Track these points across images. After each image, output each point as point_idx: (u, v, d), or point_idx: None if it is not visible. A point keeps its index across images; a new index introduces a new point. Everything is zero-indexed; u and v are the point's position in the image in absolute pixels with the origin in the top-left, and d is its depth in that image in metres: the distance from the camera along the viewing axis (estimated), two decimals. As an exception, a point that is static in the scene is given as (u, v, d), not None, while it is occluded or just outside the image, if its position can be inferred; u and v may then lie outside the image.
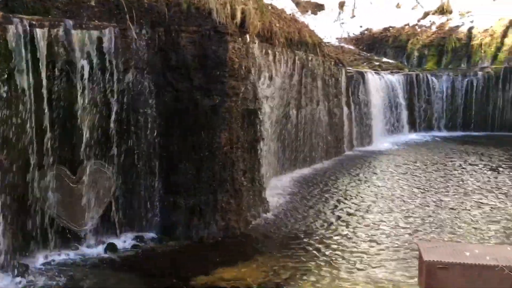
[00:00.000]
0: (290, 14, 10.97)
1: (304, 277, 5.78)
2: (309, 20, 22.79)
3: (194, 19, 6.74)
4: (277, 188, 9.67)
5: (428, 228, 7.44)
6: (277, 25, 9.65)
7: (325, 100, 12.63)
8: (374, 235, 7.16)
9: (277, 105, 9.96)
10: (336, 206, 8.75)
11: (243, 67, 7.18)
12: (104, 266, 5.61)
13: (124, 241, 6.35)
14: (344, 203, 8.97)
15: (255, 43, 7.95)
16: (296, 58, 10.57)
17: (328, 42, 21.47)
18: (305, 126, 11.59)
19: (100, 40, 6.07)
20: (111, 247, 6.06)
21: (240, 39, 7.17)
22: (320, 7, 23.54)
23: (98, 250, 6.05)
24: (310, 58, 11.44)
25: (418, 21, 21.41)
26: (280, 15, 10.23)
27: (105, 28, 6.18)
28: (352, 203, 8.97)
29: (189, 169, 6.79)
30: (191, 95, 6.75)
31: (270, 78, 9.04)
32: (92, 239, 6.12)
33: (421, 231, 7.33)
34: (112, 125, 6.21)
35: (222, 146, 6.90)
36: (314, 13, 23.08)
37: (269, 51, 8.98)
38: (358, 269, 5.96)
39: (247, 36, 7.41)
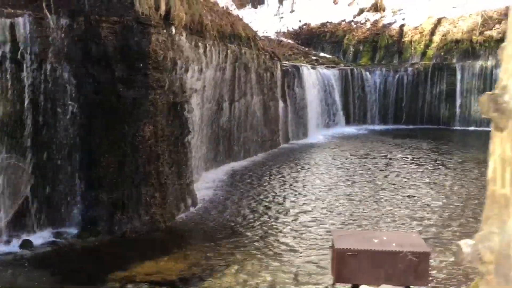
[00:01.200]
0: (223, 7, 10.94)
1: (227, 268, 5.84)
2: (248, 13, 22.88)
3: (115, 9, 6.59)
4: (209, 181, 9.69)
5: (350, 218, 7.72)
6: (209, 17, 9.61)
7: (259, 93, 12.75)
8: (298, 227, 7.35)
9: (208, 98, 9.95)
10: (265, 198, 8.89)
11: (168, 59, 7.11)
12: (16, 264, 5.41)
13: (42, 237, 6.15)
14: (274, 195, 9.13)
15: (183, 35, 7.88)
16: (229, 51, 10.59)
17: (267, 36, 21.69)
18: (239, 119, 11.66)
19: (12, 28, 5.81)
20: (26, 244, 5.85)
21: (164, 31, 7.08)
22: (260, 1, 23.66)
23: (12, 247, 5.83)
24: (243, 51, 11.50)
25: (354, 17, 22.02)
26: (212, 8, 10.19)
27: (19, 16, 5.92)
28: (282, 195, 9.15)
29: (112, 163, 6.66)
30: (113, 87, 6.61)
31: (200, 71, 9.01)
32: (6, 235, 5.88)
33: (344, 221, 7.59)
34: (26, 116, 5.97)
35: (146, 139, 6.82)
36: (254, 6, 23.18)
37: (199, 44, 8.93)
38: (280, 259, 6.10)
39: (173, 28, 7.33)
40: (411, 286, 4.73)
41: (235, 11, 11.98)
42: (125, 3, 6.59)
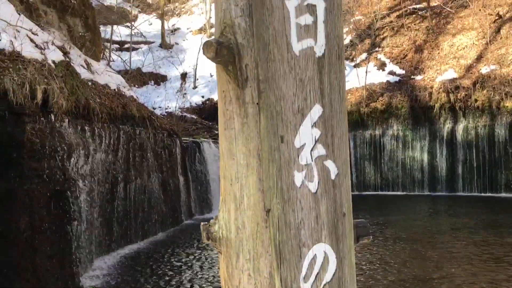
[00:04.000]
0: (114, 89, 11.04)
1: None
2: (151, 91, 23.20)
3: (-13, 99, 6.43)
4: (101, 268, 9.25)
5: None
6: (97, 100, 9.63)
7: (157, 171, 12.71)
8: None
9: (100, 182, 9.74)
10: (160, 284, 8.62)
11: (47, 147, 6.96)
12: None
13: None
14: (172, 277, 8.89)
15: (65, 122, 7.80)
16: (121, 132, 10.58)
17: (171, 112, 22.01)
18: (135, 199, 11.46)
19: None
20: None
21: (42, 118, 6.98)
22: (163, 78, 24.15)
23: None
24: (138, 131, 11.54)
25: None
26: (101, 91, 10.24)
27: None
28: (179, 276, 8.93)
29: (-19, 260, 6.19)
30: (-17, 179, 6.29)
31: (88, 155, 8.87)
32: None
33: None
34: None
35: (22, 232, 6.47)
36: (157, 83, 23.58)
37: (86, 128, 8.86)
38: None
39: (52, 115, 7.25)
40: None
41: (129, 92, 12.12)
42: (-3, 97, 6.46)
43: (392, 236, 11.41)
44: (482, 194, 17.43)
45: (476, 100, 17.66)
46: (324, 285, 1.43)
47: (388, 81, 20.40)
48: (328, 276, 1.43)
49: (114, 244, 10.46)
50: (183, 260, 10.10)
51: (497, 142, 17.31)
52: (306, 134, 1.41)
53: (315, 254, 1.41)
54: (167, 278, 8.85)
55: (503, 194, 17.05)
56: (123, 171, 10.85)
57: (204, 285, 8.29)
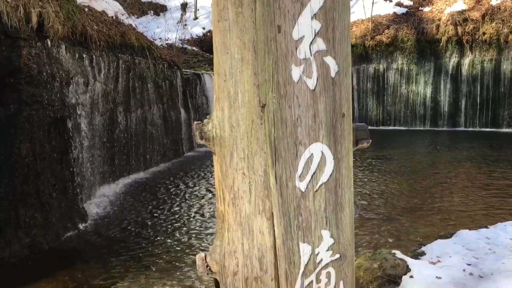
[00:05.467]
0: (112, 17, 10.71)
1: (116, 285, 5.72)
2: (151, 20, 22.57)
3: (-20, 22, 6.23)
4: (105, 196, 9.42)
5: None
6: (95, 27, 9.37)
7: (158, 103, 12.63)
8: (191, 240, 7.37)
9: (100, 111, 9.69)
10: (162, 212, 8.81)
11: (45, 73, 6.84)
12: None
13: None
14: (170, 207, 9.08)
15: (62, 48, 7.61)
16: (120, 61, 10.38)
17: (171, 44, 21.52)
18: (136, 130, 11.47)
19: None
20: None
21: (39, 44, 6.81)
22: (162, 8, 23.43)
23: None
24: (137, 61, 11.33)
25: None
26: (99, 18, 9.94)
27: None
28: (180, 206, 9.12)
29: (-16, 185, 6.27)
30: (-19, 105, 6.23)
31: (87, 83, 8.75)
32: None
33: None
34: None
35: (23, 157, 6.50)
36: (157, 14, 22.90)
37: (84, 55, 8.68)
38: (170, 272, 6.07)
39: (48, 40, 7.06)
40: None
41: (127, 20, 11.77)
42: (-10, 16, 6.25)
43: (392, 169, 11.52)
44: (484, 129, 17.42)
45: (484, 33, 17.18)
46: (321, 185, 1.40)
47: (395, 13, 19.77)
48: (324, 177, 1.40)
49: (117, 173, 10.60)
50: (183, 188, 10.27)
51: (502, 77, 17.04)
52: (305, 25, 1.31)
53: (312, 154, 1.36)
54: (168, 205, 9.03)
55: (505, 129, 17.03)
56: (124, 101, 10.77)
57: (205, 210, 8.48)
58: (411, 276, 4.85)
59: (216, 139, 1.44)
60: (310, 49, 1.33)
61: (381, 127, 19.44)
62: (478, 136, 16.42)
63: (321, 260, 1.42)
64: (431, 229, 7.10)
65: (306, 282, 1.37)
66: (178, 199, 9.41)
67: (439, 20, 18.30)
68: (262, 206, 1.39)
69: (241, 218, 1.43)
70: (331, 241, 1.44)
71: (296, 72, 1.34)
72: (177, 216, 8.37)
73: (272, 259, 1.39)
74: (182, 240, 7.18)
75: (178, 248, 6.87)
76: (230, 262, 1.40)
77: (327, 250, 1.43)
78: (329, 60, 1.36)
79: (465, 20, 17.55)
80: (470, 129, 17.77)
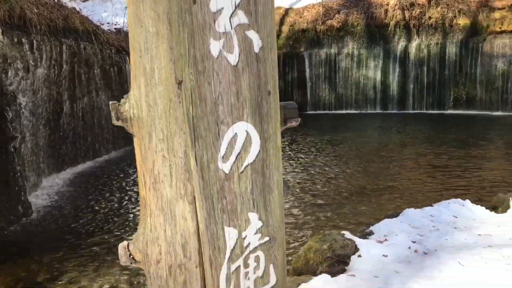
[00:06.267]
0: (54, 0, 10.22)
1: (61, 277, 5.52)
2: (98, 5, 21.75)
3: None
4: (50, 187, 9.07)
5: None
6: (35, 11, 8.91)
7: (107, 89, 12.24)
8: (134, 231, 7.22)
9: (44, 99, 9.27)
10: (109, 202, 8.58)
11: (-22, 59, 6.44)
12: None
13: None
14: (120, 198, 8.85)
15: (-3, 32, 7.19)
16: (64, 47, 9.95)
17: (119, 29, 20.82)
18: (84, 118, 11.08)
19: None
20: None
21: (-30, 27, 6.39)
22: (110, -8, 22.58)
23: None
24: (83, 46, 10.90)
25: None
26: (39, 1, 9.46)
27: None
28: (128, 195, 8.91)
29: None
30: None
31: (27, 69, 8.33)
32: None
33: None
34: None
35: (-43, 149, 6.13)
36: (105, -2, 22.05)
37: (23, 40, 8.24)
38: (114, 262, 5.93)
39: (-19, 24, 6.64)
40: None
41: (70, 3, 11.28)
42: None
43: (344, 152, 11.71)
44: (430, 111, 18.01)
45: (430, 18, 17.66)
46: (246, 166, 1.34)
47: (345, -2, 19.97)
48: (250, 157, 1.34)
49: (63, 163, 10.22)
50: (133, 177, 10.03)
51: (447, 60, 17.62)
52: (224, -4, 1.23)
53: (236, 133, 1.30)
54: (111, 197, 8.81)
55: (450, 111, 17.67)
56: (69, 87, 10.35)
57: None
58: (359, 256, 4.93)
59: (134, 120, 1.35)
60: (230, 22, 1.25)
61: (333, 111, 19.72)
62: (425, 118, 16.96)
63: (249, 244, 1.37)
64: (380, 209, 7.27)
65: (233, 267, 1.32)
66: (126, 188, 9.19)
67: (387, 5, 18.65)
68: (184, 190, 1.32)
69: (162, 203, 1.35)
70: (260, 223, 1.39)
71: (215, 47, 1.27)
72: (123, 205, 8.17)
73: (195, 245, 1.33)
74: (126, 229, 7.03)
75: (122, 238, 6.71)
76: (153, 250, 1.33)
77: (255, 233, 1.38)
78: (252, 34, 1.29)
79: (412, 4, 17.96)
80: (418, 111, 18.32)
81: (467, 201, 6.11)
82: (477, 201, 6.81)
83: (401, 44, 18.49)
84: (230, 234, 1.33)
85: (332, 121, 17.54)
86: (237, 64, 1.30)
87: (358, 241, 5.45)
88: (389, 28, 18.48)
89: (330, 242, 5.47)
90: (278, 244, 1.42)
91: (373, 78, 18.98)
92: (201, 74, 1.26)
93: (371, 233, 5.96)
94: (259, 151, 1.35)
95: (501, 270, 4.28)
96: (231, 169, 1.32)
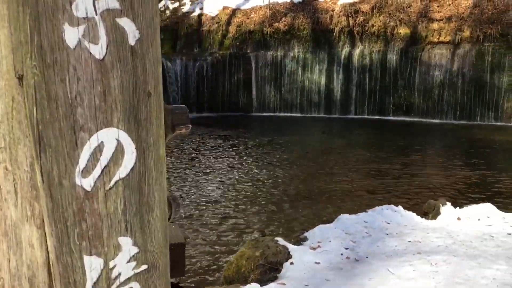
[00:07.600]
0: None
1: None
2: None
3: None
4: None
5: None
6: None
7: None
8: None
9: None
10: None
11: None
12: None
13: None
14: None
15: None
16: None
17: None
18: None
19: None
20: None
21: None
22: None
23: None
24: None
25: (154, 5, 21.60)
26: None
27: None
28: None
29: None
30: None
31: None
32: None
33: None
34: None
35: None
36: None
37: None
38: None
39: None
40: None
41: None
42: None
43: (285, 157, 11.67)
44: (372, 117, 18.40)
45: (373, 26, 18.06)
46: (117, 181, 1.12)
47: (292, 1, 20.06)
48: (122, 171, 1.12)
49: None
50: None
51: (388, 67, 18.08)
52: (80, -26, 1.01)
53: (102, 142, 1.08)
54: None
55: (390, 117, 18.13)
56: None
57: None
58: (292, 263, 4.82)
59: (-28, 123, 1.10)
60: (94, 6, 1.03)
61: (278, 113, 19.73)
62: (366, 123, 17.31)
63: (119, 274, 1.15)
64: (316, 215, 7.23)
65: (98, 304, 1.11)
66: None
67: (333, 10, 18.90)
68: (31, 211, 1.09)
69: (6, 227, 1.11)
70: (135, 250, 1.17)
71: (71, 35, 1.04)
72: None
73: (45, 279, 1.10)
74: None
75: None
76: (-5, 284, 1.09)
77: (128, 262, 1.16)
78: (126, 22, 1.07)
79: (356, 12, 18.29)
80: (360, 116, 18.66)
81: (400, 207, 6.15)
82: (410, 207, 6.90)
83: (345, 50, 18.78)
84: (93, 265, 1.10)
85: (276, 124, 17.53)
86: (104, 58, 1.07)
87: (291, 247, 5.34)
88: (334, 34, 18.73)
89: (263, 249, 5.32)
90: (160, 273, 1.21)
91: (317, 82, 19.17)
92: (50, 68, 1.02)
93: (305, 239, 5.86)
94: (135, 163, 1.14)
95: (429, 278, 4.29)
96: (94, 185, 1.09)
